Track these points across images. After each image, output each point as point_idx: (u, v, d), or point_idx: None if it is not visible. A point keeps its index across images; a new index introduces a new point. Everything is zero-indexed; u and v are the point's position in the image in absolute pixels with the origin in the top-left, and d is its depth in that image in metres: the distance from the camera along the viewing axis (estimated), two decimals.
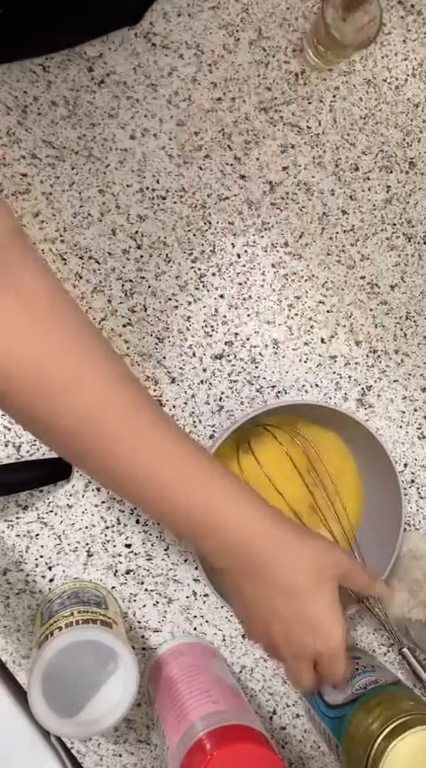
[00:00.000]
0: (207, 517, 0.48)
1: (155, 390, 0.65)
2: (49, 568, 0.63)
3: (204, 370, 0.65)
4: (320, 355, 0.69)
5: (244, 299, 0.66)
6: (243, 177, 0.66)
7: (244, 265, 0.66)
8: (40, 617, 0.60)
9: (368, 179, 0.69)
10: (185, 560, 0.66)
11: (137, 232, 0.64)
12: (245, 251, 0.66)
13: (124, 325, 0.64)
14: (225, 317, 0.66)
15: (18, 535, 0.63)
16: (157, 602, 0.66)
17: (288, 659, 0.54)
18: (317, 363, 0.69)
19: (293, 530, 0.52)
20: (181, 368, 0.65)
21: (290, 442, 0.65)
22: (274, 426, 0.65)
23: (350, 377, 0.69)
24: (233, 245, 0.66)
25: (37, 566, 0.63)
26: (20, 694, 0.62)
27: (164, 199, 0.64)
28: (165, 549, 0.65)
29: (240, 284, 0.66)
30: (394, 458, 0.70)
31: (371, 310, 0.70)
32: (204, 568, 0.61)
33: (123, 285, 0.64)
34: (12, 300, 0.41)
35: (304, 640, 0.52)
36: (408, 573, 0.67)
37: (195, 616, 0.66)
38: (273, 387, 0.68)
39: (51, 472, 0.62)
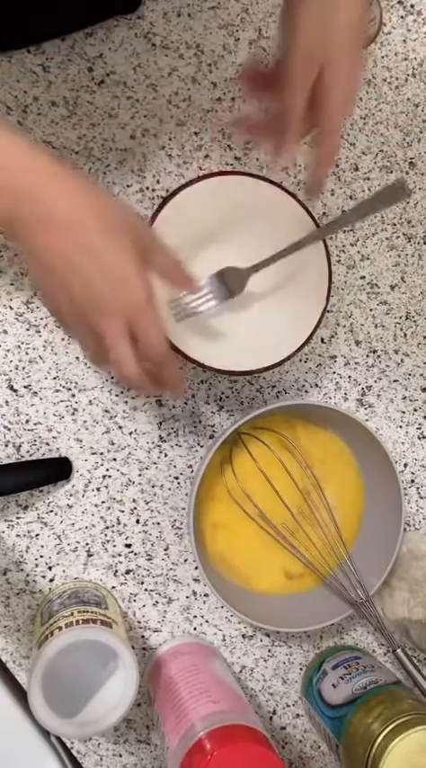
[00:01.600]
0: None
1: None
2: (49, 568, 0.63)
3: (204, 370, 0.65)
4: (320, 355, 0.69)
5: None
6: None
7: None
8: (40, 617, 0.60)
9: (368, 179, 0.69)
10: (185, 560, 0.66)
11: None
12: None
13: None
14: None
15: (18, 535, 0.63)
16: (157, 602, 0.66)
17: (97, 320, 0.47)
18: (317, 363, 0.69)
19: (69, 171, 0.46)
20: (180, 368, 0.65)
21: (283, 446, 0.65)
22: (266, 429, 0.65)
23: (350, 377, 0.69)
24: None
25: (37, 566, 0.63)
26: (20, 694, 0.62)
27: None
28: (165, 549, 0.65)
29: None
30: (394, 458, 0.70)
31: (371, 310, 0.70)
32: (203, 567, 0.61)
33: None
34: None
35: (103, 293, 0.46)
36: (408, 573, 0.67)
37: (195, 616, 0.66)
38: (273, 387, 0.68)
39: (51, 472, 0.62)
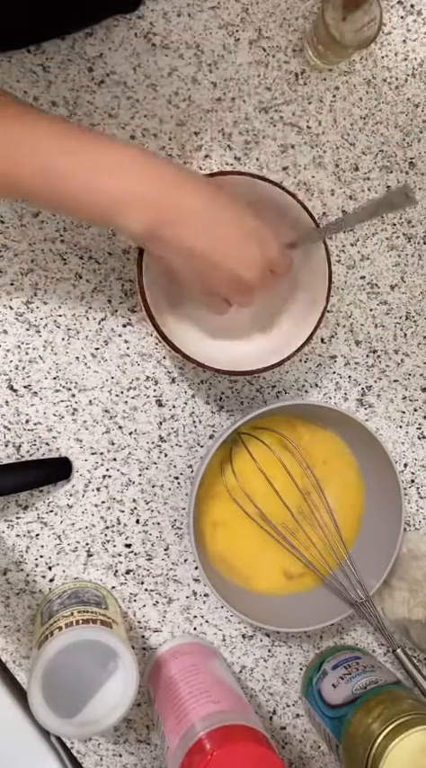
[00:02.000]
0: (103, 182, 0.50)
1: (155, 390, 0.65)
2: (49, 568, 0.63)
3: (204, 371, 0.65)
4: (320, 355, 0.69)
5: None
6: None
7: None
8: (40, 617, 0.60)
9: (368, 179, 0.69)
10: (185, 560, 0.66)
11: None
12: None
13: (124, 325, 0.64)
14: None
15: (18, 535, 0.63)
16: (157, 602, 0.66)
17: (251, 276, 0.55)
18: (317, 363, 0.69)
19: (181, 170, 0.54)
20: (181, 368, 0.65)
21: (283, 446, 0.65)
22: (266, 429, 0.65)
23: (350, 377, 0.69)
24: None
25: (37, 566, 0.63)
26: (20, 694, 0.62)
27: None
28: (165, 549, 0.65)
29: None
30: (394, 458, 0.70)
31: (371, 310, 0.70)
32: (203, 567, 0.61)
33: (123, 285, 0.64)
34: None
35: (254, 255, 0.55)
36: (408, 573, 0.67)
37: (195, 616, 0.66)
38: (273, 387, 0.68)
39: (51, 472, 0.62)
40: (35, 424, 0.62)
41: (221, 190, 0.55)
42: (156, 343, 0.64)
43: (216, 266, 0.54)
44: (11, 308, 0.62)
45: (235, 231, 0.54)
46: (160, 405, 0.65)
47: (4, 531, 0.62)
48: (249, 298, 0.57)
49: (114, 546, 0.64)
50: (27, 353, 0.62)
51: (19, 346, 0.62)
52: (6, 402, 0.62)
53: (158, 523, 0.65)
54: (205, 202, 0.53)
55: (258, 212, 0.56)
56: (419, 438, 0.71)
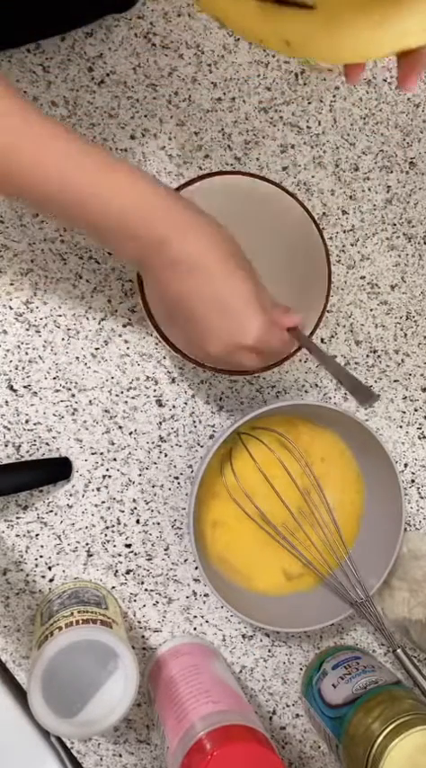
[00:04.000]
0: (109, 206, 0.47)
1: (155, 390, 0.65)
2: (49, 568, 0.63)
3: (204, 371, 0.65)
4: None
5: None
6: None
7: None
8: (40, 617, 0.60)
9: (368, 179, 0.69)
10: (185, 560, 0.66)
11: None
12: None
13: (124, 325, 0.64)
14: None
15: (18, 535, 0.63)
16: (157, 602, 0.66)
17: (222, 351, 0.52)
18: (317, 363, 0.69)
19: (194, 209, 0.50)
20: (181, 368, 0.65)
21: (282, 446, 0.65)
22: (266, 429, 0.65)
23: None
24: None
25: (37, 566, 0.63)
26: (20, 694, 0.62)
27: None
28: (165, 549, 0.65)
29: None
30: (394, 458, 0.70)
31: (371, 310, 0.70)
32: (203, 567, 0.61)
33: (123, 285, 0.64)
34: None
35: (219, 326, 0.51)
36: (408, 573, 0.67)
37: (195, 616, 0.66)
38: (273, 387, 0.68)
39: (51, 472, 0.62)
40: (35, 424, 0.62)
41: (228, 248, 0.51)
42: (156, 344, 0.64)
43: (186, 322, 0.52)
44: (11, 308, 0.62)
45: (216, 300, 0.50)
46: (160, 405, 0.65)
47: (4, 531, 0.62)
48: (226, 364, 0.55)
49: (114, 546, 0.64)
50: (27, 353, 0.62)
51: (19, 346, 0.62)
52: (6, 402, 0.62)
53: (158, 523, 0.65)
54: (202, 254, 0.49)
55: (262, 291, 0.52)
56: (419, 438, 0.71)
